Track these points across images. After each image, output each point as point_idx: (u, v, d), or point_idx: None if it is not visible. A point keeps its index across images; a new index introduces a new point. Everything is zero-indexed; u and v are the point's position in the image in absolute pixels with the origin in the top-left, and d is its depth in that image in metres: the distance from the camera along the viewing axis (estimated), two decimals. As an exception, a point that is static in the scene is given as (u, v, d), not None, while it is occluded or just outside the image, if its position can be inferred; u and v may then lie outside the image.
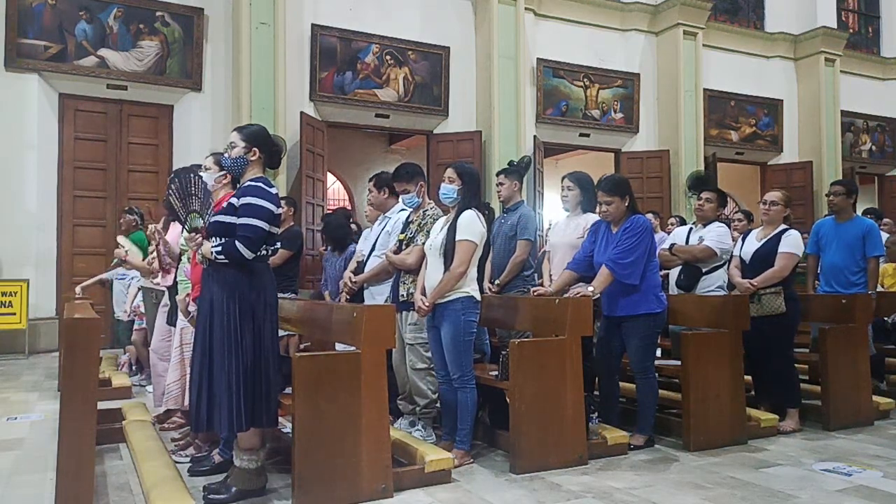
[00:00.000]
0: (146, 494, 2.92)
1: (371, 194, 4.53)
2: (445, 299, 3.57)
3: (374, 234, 4.52)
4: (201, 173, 3.53)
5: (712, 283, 4.57)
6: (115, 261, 6.37)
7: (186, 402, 3.98)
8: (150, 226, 4.36)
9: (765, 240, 4.45)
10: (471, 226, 3.59)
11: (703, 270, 4.59)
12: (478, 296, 3.65)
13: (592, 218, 4.30)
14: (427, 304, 3.60)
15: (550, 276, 4.40)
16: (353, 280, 4.47)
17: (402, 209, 4.41)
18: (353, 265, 4.69)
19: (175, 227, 4.60)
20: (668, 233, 6.49)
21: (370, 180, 4.60)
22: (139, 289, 5.91)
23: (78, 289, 6.39)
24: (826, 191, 5.25)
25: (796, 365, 4.56)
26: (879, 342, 5.30)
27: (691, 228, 4.85)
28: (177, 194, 3.56)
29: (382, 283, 4.34)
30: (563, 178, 4.43)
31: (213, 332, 2.97)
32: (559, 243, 4.39)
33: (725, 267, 4.65)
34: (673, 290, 4.68)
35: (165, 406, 4.15)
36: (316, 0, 9.07)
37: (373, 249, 4.45)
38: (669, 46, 11.30)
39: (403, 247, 4.08)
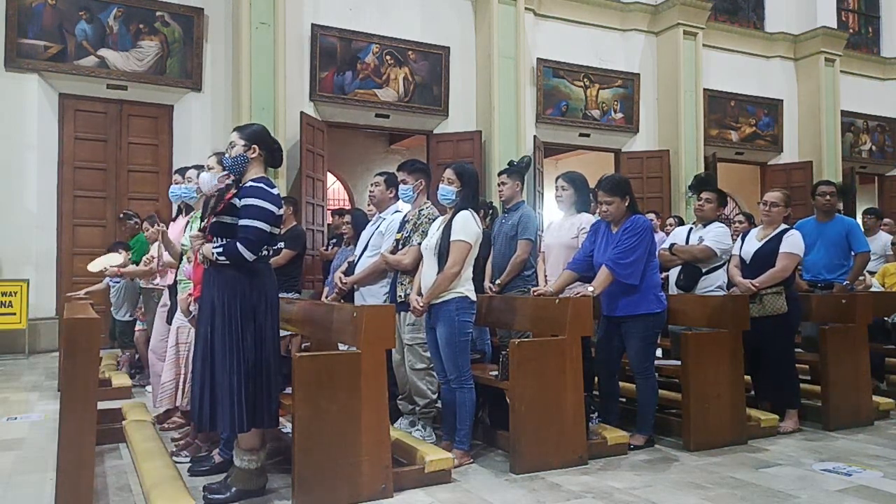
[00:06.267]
0: (146, 494, 2.92)
1: (378, 188, 4.47)
2: (440, 300, 3.57)
3: (367, 234, 4.51)
4: (203, 173, 3.53)
5: (712, 284, 4.57)
6: (107, 279, 6.41)
7: (180, 401, 3.99)
8: (151, 229, 4.36)
9: (765, 240, 4.44)
10: (466, 226, 3.58)
11: (703, 270, 4.58)
12: (472, 296, 3.65)
13: (586, 218, 4.31)
14: (421, 304, 3.60)
15: (546, 276, 4.40)
16: (344, 281, 4.47)
17: (397, 211, 4.41)
18: (344, 266, 4.69)
19: (177, 224, 4.60)
20: (667, 233, 6.50)
21: (380, 174, 4.55)
22: (139, 290, 5.92)
23: (83, 292, 6.39)
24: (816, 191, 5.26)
25: (796, 365, 4.56)
26: (879, 342, 5.31)
27: (691, 228, 4.85)
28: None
29: (374, 283, 4.34)
30: (557, 179, 4.44)
31: (215, 333, 2.97)
32: (554, 244, 4.40)
33: (725, 267, 4.65)
34: (673, 290, 4.68)
35: (160, 405, 4.15)
36: (316, 0, 9.07)
37: (365, 249, 4.44)
38: (669, 46, 11.30)
39: (400, 246, 4.08)
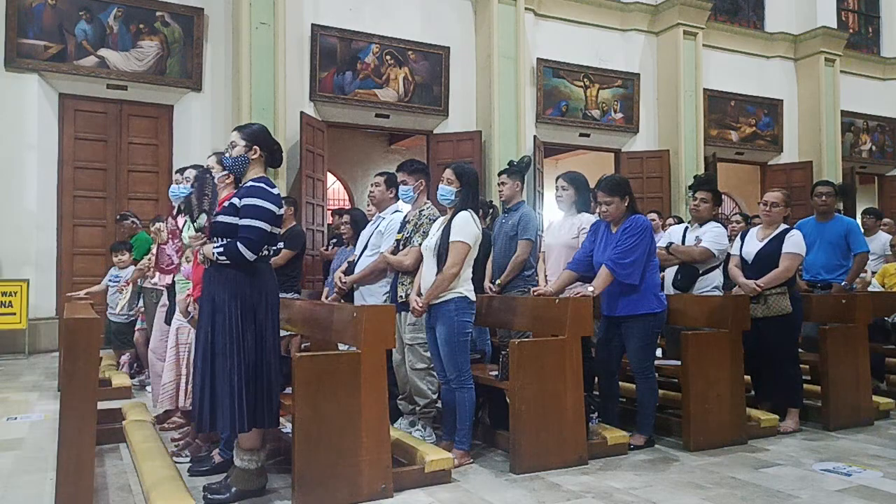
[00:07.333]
0: (146, 494, 2.92)
1: (378, 188, 4.47)
2: (439, 300, 3.58)
3: (367, 234, 4.52)
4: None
5: (708, 284, 4.57)
6: (105, 281, 6.42)
7: (181, 402, 3.99)
8: (153, 226, 4.36)
9: (767, 240, 4.44)
10: (465, 227, 3.58)
11: (700, 271, 4.58)
12: (472, 296, 3.65)
13: (587, 218, 4.30)
14: (421, 304, 3.60)
15: (546, 276, 4.40)
16: (344, 280, 4.48)
17: (396, 210, 4.41)
18: (344, 265, 4.69)
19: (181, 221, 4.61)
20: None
21: (380, 174, 4.54)
22: (140, 290, 5.92)
23: (82, 293, 6.40)
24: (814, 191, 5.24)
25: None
26: (879, 342, 5.31)
27: (687, 227, 4.85)
28: (196, 193, 3.54)
29: (374, 282, 4.34)
30: (558, 179, 4.43)
31: (215, 333, 2.97)
32: (554, 244, 4.39)
33: (721, 267, 4.65)
34: (669, 289, 4.66)
35: (161, 406, 4.15)
36: (316, 0, 9.07)
37: (364, 249, 4.45)
38: (669, 46, 11.30)
39: (401, 247, 4.08)
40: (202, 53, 8.71)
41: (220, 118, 8.67)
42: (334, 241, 7.19)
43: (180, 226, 4.42)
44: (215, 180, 3.46)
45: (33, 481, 3.34)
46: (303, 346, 5.16)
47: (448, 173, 3.74)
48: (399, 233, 4.16)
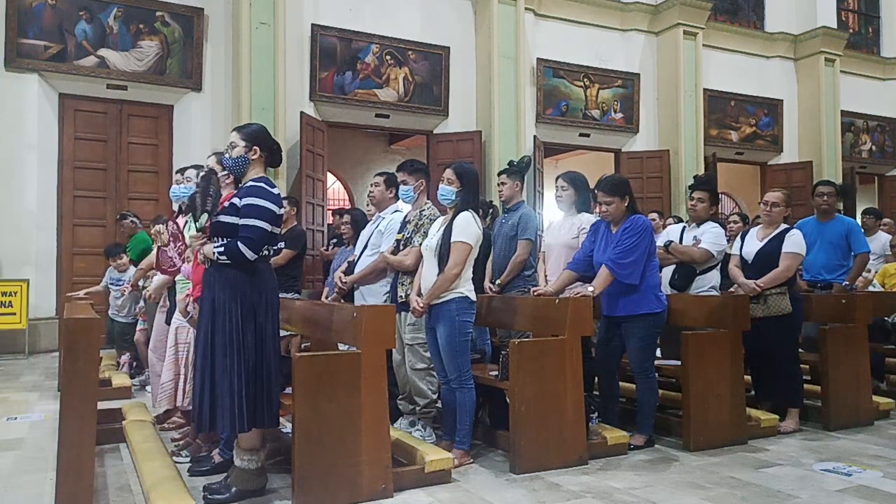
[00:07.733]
0: (146, 494, 2.92)
1: (377, 188, 4.47)
2: (440, 300, 3.58)
3: (367, 234, 4.52)
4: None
5: (705, 284, 4.57)
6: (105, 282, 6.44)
7: (180, 401, 3.99)
8: (154, 227, 4.35)
9: (767, 239, 4.44)
10: (466, 227, 3.58)
11: (698, 270, 4.58)
12: (473, 296, 3.65)
13: (587, 218, 4.31)
14: (422, 304, 3.60)
15: (546, 276, 4.40)
16: (344, 280, 4.48)
17: (396, 210, 4.41)
18: (344, 265, 4.70)
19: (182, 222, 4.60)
20: (667, 234, 6.49)
21: (380, 174, 4.54)
22: (141, 290, 5.93)
23: (82, 293, 6.41)
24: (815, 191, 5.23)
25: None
26: (879, 342, 5.31)
27: (684, 227, 4.85)
28: (200, 192, 3.53)
29: (374, 282, 4.34)
30: (557, 179, 4.43)
31: (215, 333, 2.97)
32: (554, 244, 4.39)
33: (718, 267, 4.65)
34: (665, 289, 4.65)
35: (160, 405, 4.16)
36: (316, 0, 9.07)
37: (364, 249, 4.45)
38: (669, 46, 11.30)
39: (401, 247, 4.08)
40: (202, 53, 8.71)
41: (220, 118, 8.67)
42: (334, 241, 7.19)
43: (181, 226, 4.42)
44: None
45: (33, 481, 3.34)
46: (303, 346, 5.15)
47: (448, 173, 3.74)
48: (399, 233, 4.16)
